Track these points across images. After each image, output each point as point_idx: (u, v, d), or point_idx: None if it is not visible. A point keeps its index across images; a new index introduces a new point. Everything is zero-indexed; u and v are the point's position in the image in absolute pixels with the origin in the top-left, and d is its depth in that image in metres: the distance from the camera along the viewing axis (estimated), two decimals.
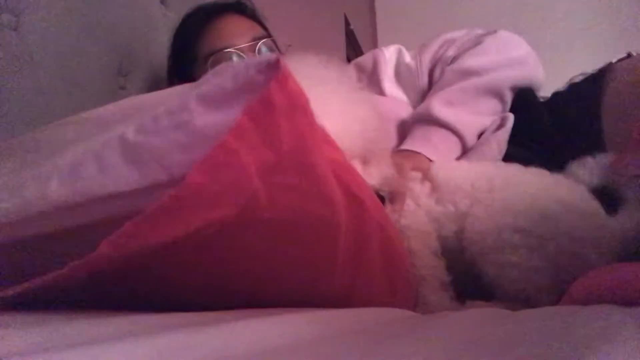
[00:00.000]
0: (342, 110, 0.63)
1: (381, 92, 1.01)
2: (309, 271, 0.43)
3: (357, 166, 0.61)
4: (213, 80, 0.40)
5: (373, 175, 0.61)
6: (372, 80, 1.02)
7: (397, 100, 1.00)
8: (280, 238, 0.41)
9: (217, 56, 0.94)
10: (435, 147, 0.83)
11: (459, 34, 0.97)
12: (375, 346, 0.30)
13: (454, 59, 0.93)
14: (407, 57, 1.02)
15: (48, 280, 0.38)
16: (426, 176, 0.68)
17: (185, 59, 1.00)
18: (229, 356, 0.27)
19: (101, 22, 0.99)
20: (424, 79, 0.99)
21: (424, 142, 0.84)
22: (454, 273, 0.61)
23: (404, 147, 0.86)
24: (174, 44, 1.05)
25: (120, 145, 0.40)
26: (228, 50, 0.93)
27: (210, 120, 0.38)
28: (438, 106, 0.86)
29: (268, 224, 0.40)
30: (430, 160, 0.82)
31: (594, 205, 0.59)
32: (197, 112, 0.39)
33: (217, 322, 0.34)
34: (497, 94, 0.88)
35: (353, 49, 1.76)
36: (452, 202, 0.63)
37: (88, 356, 0.26)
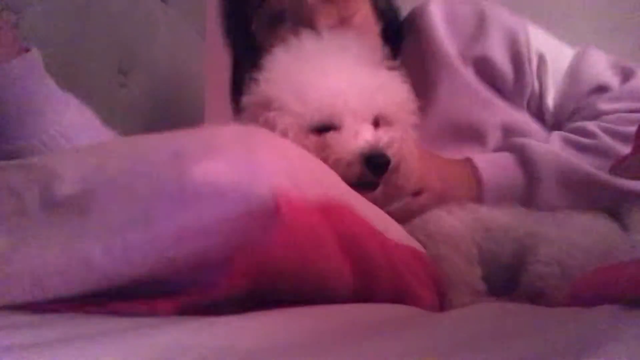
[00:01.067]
0: (354, 69, 0.61)
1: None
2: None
3: (368, 129, 0.59)
4: (198, 211, 0.37)
5: (381, 137, 0.58)
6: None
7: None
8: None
9: (284, 27, 0.76)
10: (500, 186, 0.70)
11: (611, 79, 0.79)
12: (377, 342, 0.30)
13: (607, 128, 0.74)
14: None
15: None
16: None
17: (248, 18, 0.82)
18: (232, 355, 0.27)
19: (102, 20, 0.99)
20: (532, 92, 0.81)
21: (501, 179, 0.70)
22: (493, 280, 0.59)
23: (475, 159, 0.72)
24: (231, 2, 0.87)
25: (84, 265, 0.37)
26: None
27: (192, 257, 0.37)
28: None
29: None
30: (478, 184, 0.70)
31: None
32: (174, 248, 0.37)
33: (219, 321, 0.34)
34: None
35: None
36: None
37: (88, 354, 0.26)
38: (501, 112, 0.80)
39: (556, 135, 0.75)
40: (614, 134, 0.72)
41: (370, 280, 0.44)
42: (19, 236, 0.40)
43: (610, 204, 0.68)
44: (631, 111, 0.75)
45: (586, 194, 0.69)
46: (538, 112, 0.82)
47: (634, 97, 0.77)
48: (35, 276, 0.37)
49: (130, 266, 0.37)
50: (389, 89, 0.63)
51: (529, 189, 0.70)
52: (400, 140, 0.59)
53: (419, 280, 0.51)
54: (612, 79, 0.79)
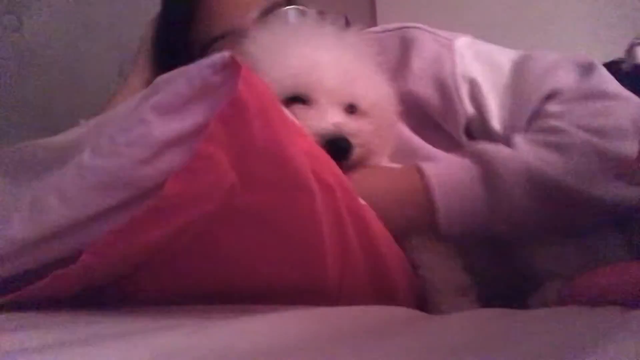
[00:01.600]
0: (339, 51, 0.60)
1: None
2: (302, 263, 0.43)
3: (338, 112, 0.57)
4: (166, 88, 0.39)
5: (348, 123, 0.56)
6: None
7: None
8: (267, 228, 0.41)
9: (221, 43, 0.71)
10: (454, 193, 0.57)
11: (558, 72, 0.66)
12: (374, 345, 0.30)
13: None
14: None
15: (34, 289, 0.39)
16: None
17: (175, 48, 0.78)
18: (230, 356, 0.27)
19: (102, 24, 1.00)
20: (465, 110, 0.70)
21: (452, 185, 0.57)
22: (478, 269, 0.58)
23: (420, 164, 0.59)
24: (158, 30, 0.82)
25: (78, 173, 0.40)
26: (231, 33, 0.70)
27: (168, 128, 0.38)
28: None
29: (251, 214, 0.40)
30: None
31: None
32: (153, 123, 0.38)
33: (217, 322, 0.34)
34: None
35: None
36: None
37: (84, 356, 0.26)
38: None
39: (521, 139, 0.60)
40: (586, 128, 0.58)
41: (336, 214, 0.44)
42: None
43: (597, 221, 0.57)
44: (589, 112, 0.61)
45: (566, 210, 0.56)
46: (486, 136, 0.68)
47: (590, 94, 0.63)
48: None
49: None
50: (370, 80, 0.61)
51: (493, 207, 0.56)
52: (370, 134, 0.58)
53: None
54: (565, 79, 0.65)
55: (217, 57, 0.39)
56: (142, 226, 0.37)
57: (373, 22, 1.78)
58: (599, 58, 0.84)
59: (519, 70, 0.69)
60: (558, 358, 0.25)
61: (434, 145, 0.70)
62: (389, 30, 0.77)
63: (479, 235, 0.57)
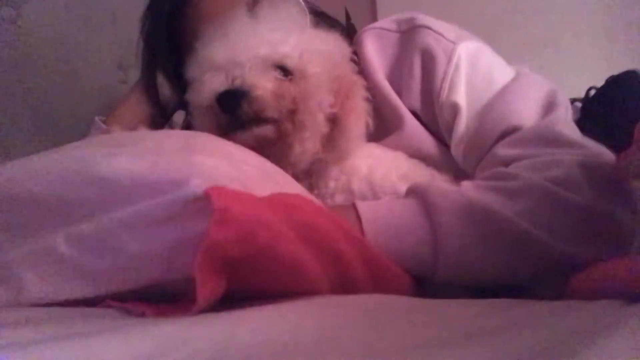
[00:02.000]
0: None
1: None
2: None
3: (263, 75, 0.58)
4: (136, 206, 0.40)
5: (248, 79, 0.57)
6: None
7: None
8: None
9: None
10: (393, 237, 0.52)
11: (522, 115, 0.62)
12: (379, 332, 0.30)
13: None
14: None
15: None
16: None
17: (165, 48, 0.78)
18: (230, 347, 0.27)
19: (102, 16, 0.99)
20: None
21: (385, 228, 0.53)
22: None
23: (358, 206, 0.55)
24: (145, 29, 0.81)
25: (52, 255, 0.40)
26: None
27: (141, 246, 0.39)
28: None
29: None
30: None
31: None
32: (125, 239, 0.39)
33: (218, 313, 0.34)
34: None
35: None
36: None
37: (83, 348, 0.26)
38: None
39: (467, 183, 0.57)
40: (541, 175, 0.53)
41: (342, 267, 0.44)
42: None
43: (543, 266, 0.51)
44: (534, 157, 0.57)
45: (507, 247, 0.51)
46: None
47: (540, 139, 0.59)
48: None
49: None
50: (299, 43, 0.61)
51: (431, 237, 0.52)
52: (292, 96, 0.58)
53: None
54: (529, 117, 0.62)
55: (190, 191, 0.39)
56: None
57: (373, 19, 1.78)
58: (605, 70, 0.83)
59: (493, 101, 0.66)
60: (556, 352, 0.25)
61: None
62: (402, 32, 0.75)
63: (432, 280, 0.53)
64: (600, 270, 0.42)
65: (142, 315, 0.37)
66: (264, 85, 0.57)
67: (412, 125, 0.72)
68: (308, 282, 0.41)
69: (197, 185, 0.39)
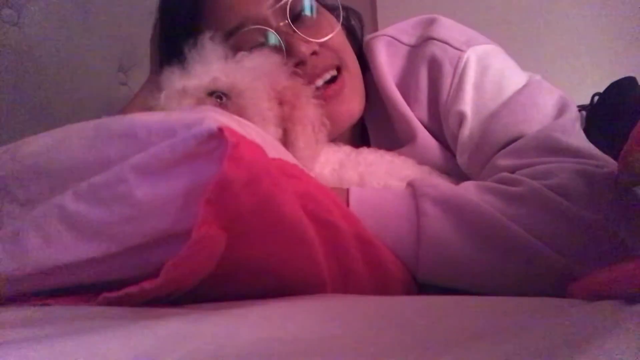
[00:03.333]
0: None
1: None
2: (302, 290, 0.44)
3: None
4: (149, 150, 0.39)
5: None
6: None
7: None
8: (267, 274, 0.42)
9: (238, 37, 0.67)
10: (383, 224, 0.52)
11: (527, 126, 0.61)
12: (375, 335, 0.30)
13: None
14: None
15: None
16: None
17: (183, 36, 0.70)
18: (231, 345, 0.27)
19: (102, 18, 0.99)
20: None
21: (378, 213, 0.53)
22: None
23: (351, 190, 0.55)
24: (164, 16, 0.76)
25: (59, 214, 0.40)
26: (247, 29, 0.66)
27: (150, 191, 0.38)
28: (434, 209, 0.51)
29: (250, 265, 0.41)
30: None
31: None
32: (134, 184, 0.38)
33: (219, 310, 0.34)
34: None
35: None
36: None
37: (85, 344, 0.26)
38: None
39: (469, 183, 0.57)
40: (542, 183, 0.52)
41: (336, 241, 0.44)
42: None
43: (530, 268, 0.49)
44: (532, 165, 0.56)
45: (497, 248, 0.49)
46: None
47: (540, 147, 0.58)
48: None
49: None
50: (237, 74, 0.61)
51: (414, 222, 0.51)
52: (230, 106, 0.59)
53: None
54: (536, 126, 0.61)
55: (204, 128, 0.38)
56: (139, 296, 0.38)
57: (374, 21, 1.78)
58: (608, 73, 0.83)
59: (499, 109, 0.65)
60: (555, 353, 0.25)
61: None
62: (412, 46, 0.74)
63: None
64: (602, 274, 0.42)
65: (141, 290, 0.36)
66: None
67: (425, 137, 0.71)
68: (308, 248, 0.41)
69: (211, 123, 0.38)
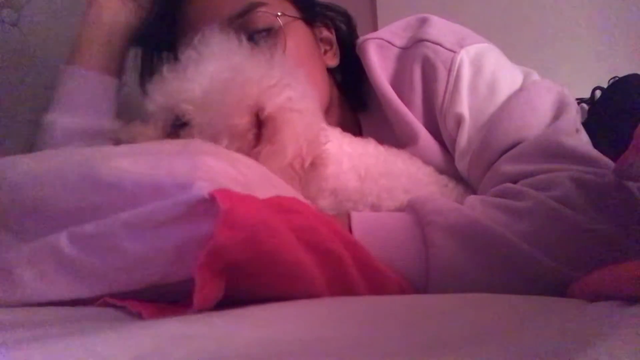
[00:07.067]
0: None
1: None
2: None
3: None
4: (139, 209, 0.40)
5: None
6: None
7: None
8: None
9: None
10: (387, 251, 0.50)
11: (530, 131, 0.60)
12: (377, 335, 0.30)
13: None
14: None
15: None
16: None
17: (169, 27, 0.74)
18: (231, 345, 0.27)
19: None
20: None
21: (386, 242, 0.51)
22: None
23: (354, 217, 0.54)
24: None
25: (54, 255, 0.40)
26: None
27: (141, 246, 0.39)
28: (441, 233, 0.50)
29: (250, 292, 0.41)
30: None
31: None
32: (125, 238, 0.39)
33: (219, 310, 0.34)
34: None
35: None
36: None
37: (85, 345, 0.26)
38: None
39: (474, 198, 0.56)
40: (546, 194, 0.52)
41: (340, 270, 0.44)
42: None
43: (544, 285, 0.48)
44: (535, 173, 0.55)
45: (508, 271, 0.48)
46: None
47: (541, 153, 0.57)
48: None
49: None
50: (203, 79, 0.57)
51: (422, 253, 0.50)
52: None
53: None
54: (537, 131, 0.61)
55: (195, 194, 0.38)
56: None
57: (374, 20, 1.78)
58: (605, 70, 0.82)
59: (499, 112, 0.64)
60: (555, 353, 0.25)
61: None
62: (402, 48, 0.74)
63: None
64: (599, 274, 0.42)
65: (139, 314, 0.37)
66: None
67: (427, 139, 0.71)
68: (308, 285, 0.41)
69: (202, 187, 0.39)
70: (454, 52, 0.68)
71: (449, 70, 0.67)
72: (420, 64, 0.70)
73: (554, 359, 0.24)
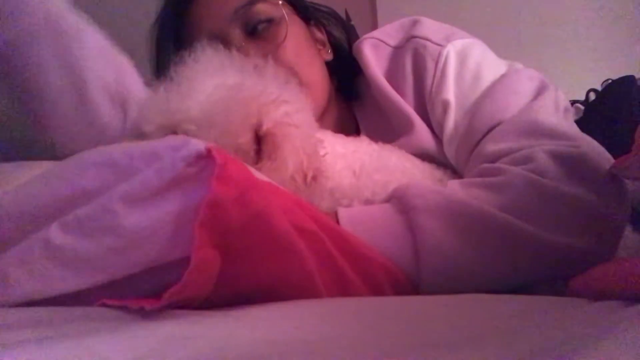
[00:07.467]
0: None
1: None
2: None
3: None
4: (135, 178, 0.39)
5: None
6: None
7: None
8: (262, 287, 0.42)
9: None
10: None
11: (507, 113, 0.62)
12: (376, 335, 0.30)
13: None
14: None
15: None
16: None
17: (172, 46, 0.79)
18: (231, 347, 0.27)
19: (101, 19, 0.99)
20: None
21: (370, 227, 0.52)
22: None
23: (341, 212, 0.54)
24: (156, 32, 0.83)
25: (44, 249, 0.39)
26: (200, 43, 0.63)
27: (139, 220, 0.38)
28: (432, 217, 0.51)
29: (246, 279, 0.41)
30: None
31: None
32: (122, 213, 0.38)
33: (218, 312, 0.34)
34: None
35: None
36: None
37: (86, 346, 0.26)
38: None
39: (453, 182, 0.58)
40: (524, 168, 0.54)
41: (323, 250, 0.44)
42: None
43: (531, 259, 0.49)
44: (514, 151, 0.57)
45: (493, 243, 0.49)
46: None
47: (519, 131, 0.59)
48: None
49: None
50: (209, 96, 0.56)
51: (409, 237, 0.50)
52: None
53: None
54: (516, 110, 0.63)
55: (192, 149, 0.38)
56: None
57: (374, 20, 1.78)
58: (604, 70, 0.82)
59: (482, 98, 0.66)
60: (557, 352, 0.25)
61: None
62: (395, 47, 0.77)
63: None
64: (600, 271, 0.42)
65: (141, 309, 0.36)
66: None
67: (421, 127, 0.73)
68: (300, 261, 0.41)
69: (198, 144, 0.38)
70: (442, 45, 0.72)
71: (437, 62, 0.71)
72: (411, 57, 0.74)
73: (554, 359, 0.24)
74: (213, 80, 0.57)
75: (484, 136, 0.64)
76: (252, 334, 0.29)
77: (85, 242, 0.38)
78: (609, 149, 0.59)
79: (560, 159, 0.54)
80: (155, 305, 0.35)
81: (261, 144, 0.55)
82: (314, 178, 0.57)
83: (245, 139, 0.54)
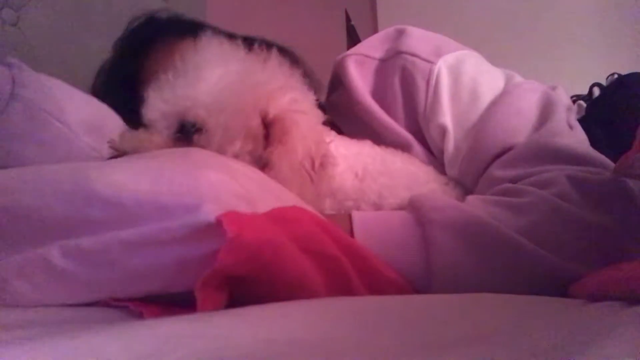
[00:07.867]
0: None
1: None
2: None
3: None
4: (141, 228, 0.39)
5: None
6: None
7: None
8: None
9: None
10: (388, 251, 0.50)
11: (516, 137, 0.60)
12: (378, 335, 0.30)
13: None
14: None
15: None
16: None
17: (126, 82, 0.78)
18: (233, 346, 0.27)
19: (102, 18, 0.99)
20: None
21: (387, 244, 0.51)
22: None
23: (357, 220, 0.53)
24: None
25: (45, 267, 0.39)
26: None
27: (140, 263, 0.39)
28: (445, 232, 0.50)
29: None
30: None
31: None
32: (126, 256, 0.38)
33: (218, 312, 0.34)
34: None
35: (354, 45, 1.75)
36: None
37: (86, 345, 0.26)
38: None
39: (474, 197, 0.56)
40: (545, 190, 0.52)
41: (339, 274, 0.44)
42: None
43: (545, 281, 0.48)
44: (530, 175, 0.55)
45: (507, 266, 0.49)
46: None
47: (534, 156, 0.58)
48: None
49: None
50: (212, 87, 0.57)
51: (423, 252, 0.50)
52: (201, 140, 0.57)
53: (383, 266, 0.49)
54: (524, 134, 0.61)
55: (202, 218, 0.38)
56: None
57: (374, 20, 1.78)
58: (605, 69, 0.82)
59: (483, 122, 0.64)
60: (558, 353, 0.25)
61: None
62: (381, 60, 0.75)
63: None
64: (600, 274, 0.42)
65: (140, 315, 0.37)
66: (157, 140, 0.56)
67: (419, 150, 0.71)
68: (310, 292, 0.41)
69: (209, 212, 0.38)
70: (432, 62, 0.69)
71: (428, 81, 0.68)
72: (399, 76, 0.71)
73: (554, 359, 0.24)
74: (219, 68, 0.57)
75: (491, 160, 0.62)
76: (252, 334, 0.29)
77: (85, 270, 0.39)
78: (612, 145, 0.58)
79: (581, 185, 0.52)
80: (153, 315, 0.36)
81: (269, 128, 0.56)
82: (322, 165, 0.57)
83: (256, 122, 0.55)
